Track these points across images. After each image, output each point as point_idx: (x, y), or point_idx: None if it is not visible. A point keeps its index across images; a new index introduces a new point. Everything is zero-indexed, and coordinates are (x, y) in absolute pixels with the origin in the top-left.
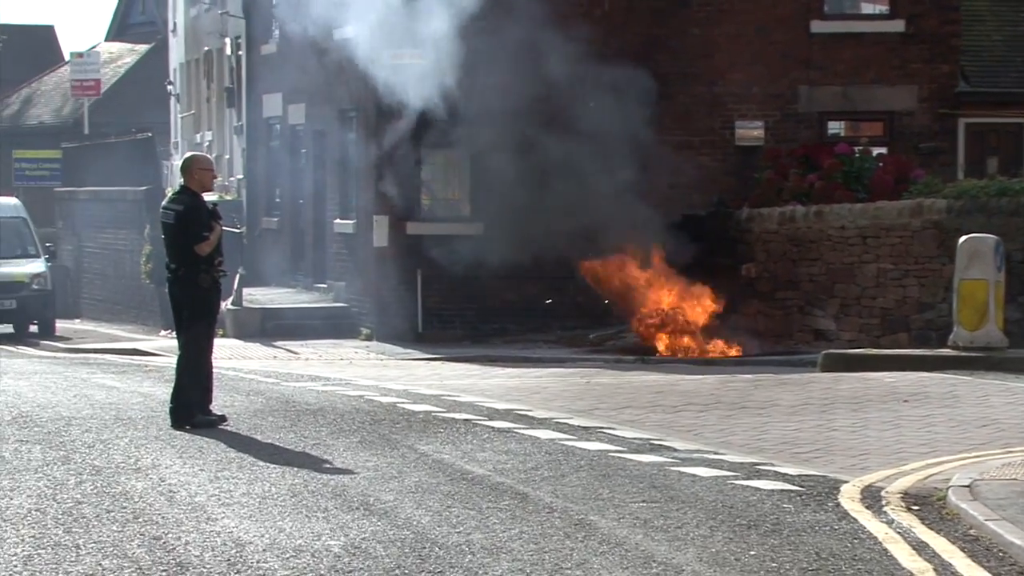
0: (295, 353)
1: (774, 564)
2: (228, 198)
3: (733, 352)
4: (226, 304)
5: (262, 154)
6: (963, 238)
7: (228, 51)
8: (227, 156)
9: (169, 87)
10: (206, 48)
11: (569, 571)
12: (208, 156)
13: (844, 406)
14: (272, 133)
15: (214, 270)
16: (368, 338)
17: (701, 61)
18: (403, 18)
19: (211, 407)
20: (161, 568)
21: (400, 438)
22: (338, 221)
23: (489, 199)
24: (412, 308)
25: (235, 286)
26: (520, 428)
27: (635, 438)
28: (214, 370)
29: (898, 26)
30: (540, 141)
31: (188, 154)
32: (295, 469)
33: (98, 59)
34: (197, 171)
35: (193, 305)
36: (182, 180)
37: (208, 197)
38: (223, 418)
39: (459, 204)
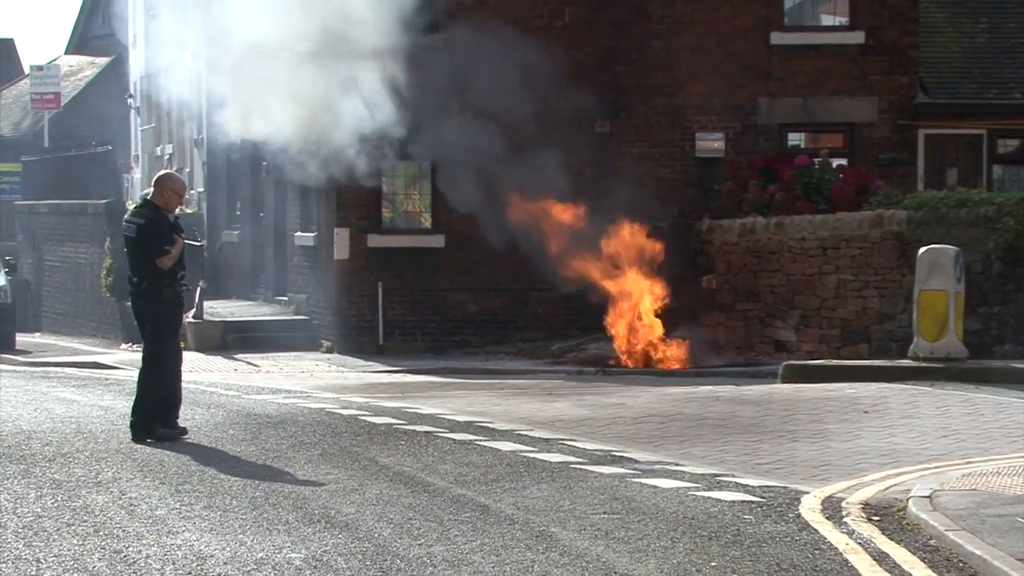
0: (256, 366)
1: (735, 575)
2: (189, 211)
3: (683, 359)
4: (187, 317)
5: (223, 167)
6: (923, 249)
7: (188, 63)
8: (187, 169)
9: (129, 100)
10: (166, 60)
11: None
12: (183, 181)
13: (804, 417)
14: (233, 146)
15: (176, 284)
16: (329, 351)
17: (661, 73)
18: (358, 30)
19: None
20: None
21: (361, 451)
22: (299, 234)
23: (451, 211)
24: (373, 320)
25: (196, 299)
26: (481, 440)
27: (596, 450)
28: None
29: (857, 38)
30: (501, 154)
31: (164, 171)
32: (256, 482)
33: (58, 72)
34: (168, 191)
35: (156, 318)
36: (148, 193)
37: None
38: (184, 431)
39: (420, 217)
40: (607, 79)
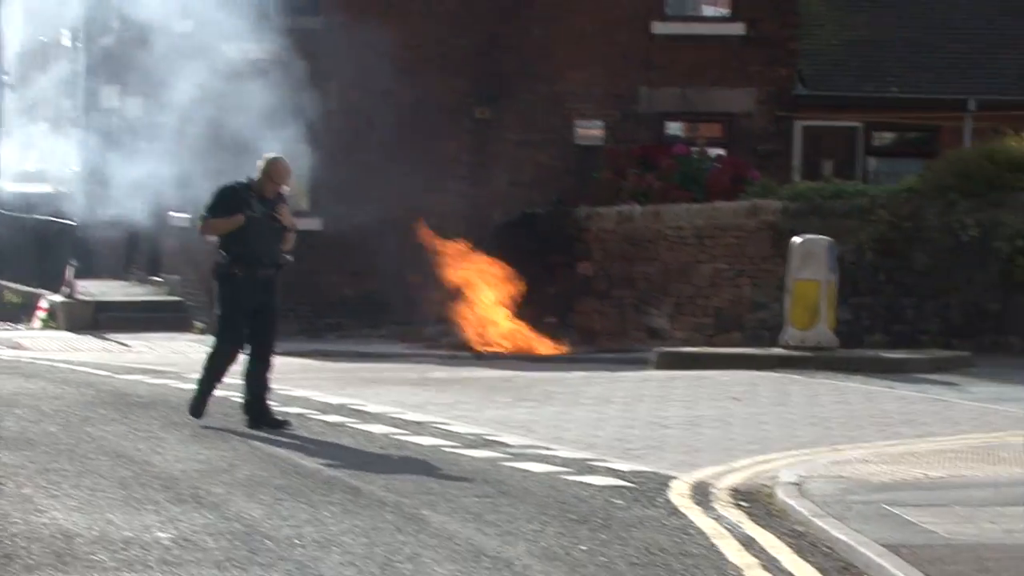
0: (127, 346)
1: (604, 558)
2: (62, 190)
3: (566, 349)
4: (58, 296)
5: (98, 146)
6: (797, 239)
7: (66, 41)
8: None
9: (4, 77)
10: (43, 38)
11: (400, 564)
12: (284, 166)
13: (677, 404)
14: (109, 125)
15: (225, 261)
16: (203, 332)
17: (542, 60)
18: (238, 12)
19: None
20: None
21: (232, 431)
22: (174, 214)
23: (328, 195)
24: None
25: (67, 278)
26: (353, 422)
27: (468, 433)
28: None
29: (738, 29)
30: (375, 137)
31: (273, 155)
32: (125, 461)
33: None
34: (261, 172)
35: (215, 294)
36: None
37: (42, 189)
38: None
39: (297, 199)
40: (488, 65)
